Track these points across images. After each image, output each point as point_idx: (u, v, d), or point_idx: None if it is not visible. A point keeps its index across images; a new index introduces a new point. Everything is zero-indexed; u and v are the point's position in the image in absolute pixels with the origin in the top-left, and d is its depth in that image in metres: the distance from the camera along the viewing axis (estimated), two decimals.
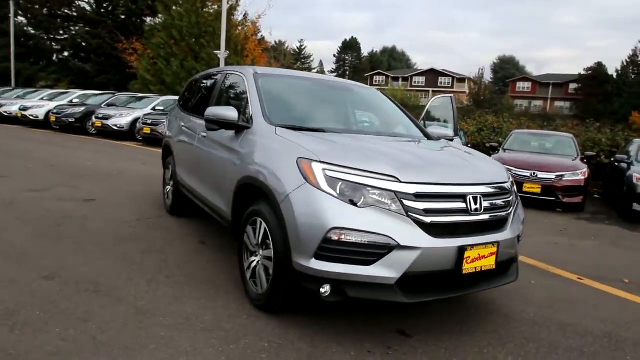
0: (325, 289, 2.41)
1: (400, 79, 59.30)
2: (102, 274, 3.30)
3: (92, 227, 4.48)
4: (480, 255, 2.57)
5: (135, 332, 2.50)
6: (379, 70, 63.03)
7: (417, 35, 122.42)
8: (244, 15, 22.86)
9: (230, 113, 3.27)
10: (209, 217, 5.05)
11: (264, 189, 2.76)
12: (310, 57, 56.28)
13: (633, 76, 45.83)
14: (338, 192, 2.41)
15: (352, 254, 2.36)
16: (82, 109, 14.82)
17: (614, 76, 47.44)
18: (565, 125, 13.44)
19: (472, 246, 2.52)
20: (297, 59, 53.74)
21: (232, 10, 20.50)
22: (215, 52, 17.40)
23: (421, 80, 57.82)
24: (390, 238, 2.34)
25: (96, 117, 13.94)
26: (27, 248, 3.72)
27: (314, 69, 60.84)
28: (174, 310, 2.80)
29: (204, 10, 21.37)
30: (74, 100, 16.48)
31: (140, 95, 16.58)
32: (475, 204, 2.60)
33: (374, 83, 60.33)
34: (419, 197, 2.44)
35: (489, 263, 2.63)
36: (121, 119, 13.81)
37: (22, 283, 3.03)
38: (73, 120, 14.44)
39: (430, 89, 54.38)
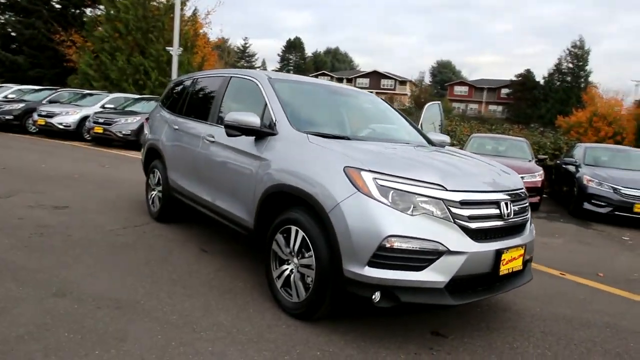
0: (376, 295, 2.46)
1: (345, 80, 60.32)
2: (114, 287, 3.11)
3: (77, 236, 4.18)
4: (512, 257, 2.75)
5: (182, 348, 2.40)
6: (323, 71, 63.67)
7: (360, 37, 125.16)
8: (193, 12, 22.10)
9: (252, 119, 3.22)
10: (203, 223, 4.95)
11: (303, 197, 2.75)
12: (254, 55, 55.58)
13: (558, 83, 49.93)
14: (390, 200, 2.47)
15: (404, 261, 2.43)
16: (22, 105, 13.62)
17: (541, 82, 51.38)
18: (512, 129, 14.45)
19: (507, 249, 2.69)
20: (241, 57, 52.87)
21: (181, 5, 19.82)
22: (167, 48, 16.69)
23: (365, 81, 59.19)
24: (441, 244, 2.44)
25: (39, 115, 12.87)
26: (18, 262, 3.41)
27: (258, 67, 60.24)
28: (210, 322, 2.72)
29: (151, 3, 20.42)
30: (9, 96, 15.09)
31: (87, 91, 15.52)
32: (507, 209, 2.77)
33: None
34: (464, 204, 2.56)
35: (518, 264, 2.82)
36: (67, 117, 12.86)
37: (33, 302, 2.78)
38: (11, 117, 13.25)
39: (374, 91, 55.80)
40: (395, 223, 2.42)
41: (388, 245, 2.40)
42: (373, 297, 2.46)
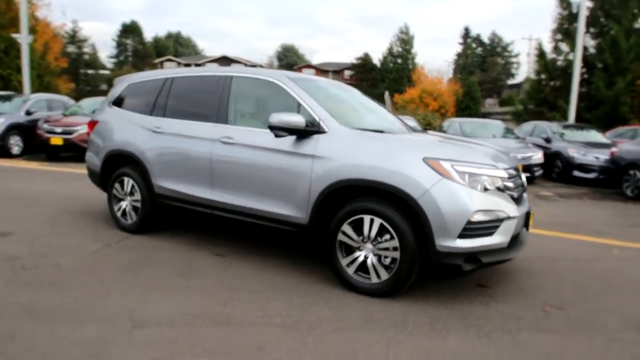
0: (462, 262, 2.96)
1: (194, 65, 57.57)
2: (184, 305, 2.95)
3: (65, 263, 3.65)
4: (531, 217, 3.53)
5: (320, 345, 2.53)
6: (169, 57, 59.65)
7: (198, 21, 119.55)
8: None
9: (298, 119, 3.32)
10: (186, 228, 4.71)
11: (382, 188, 3.04)
12: (86, 40, 48.90)
13: (392, 64, 56.04)
14: (467, 182, 2.96)
15: (482, 230, 2.96)
16: None
17: (378, 65, 57.06)
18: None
19: (530, 211, 3.44)
20: (72, 42, 46.07)
21: None
22: (14, 35, 13.84)
23: (214, 67, 57.38)
24: (503, 212, 3.04)
25: None
26: (41, 301, 2.92)
27: (92, 53, 53.29)
28: (314, 318, 2.84)
29: None
30: None
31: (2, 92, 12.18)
32: (523, 179, 3.52)
33: (166, 69, 56.96)
34: (509, 178, 3.19)
35: (532, 222, 3.61)
36: None
37: (123, 340, 2.51)
38: None
39: None
40: (476, 200, 2.93)
41: (472, 219, 2.90)
42: (462, 263, 2.95)
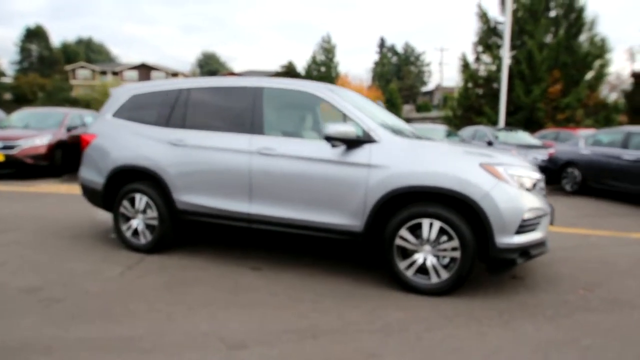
0: (517, 256, 3.26)
1: (110, 73, 53.82)
2: (264, 322, 2.89)
3: (95, 289, 3.37)
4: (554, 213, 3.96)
5: (422, 346, 2.65)
6: (82, 64, 55.09)
7: (110, 26, 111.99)
8: None
9: (352, 129, 3.42)
10: (201, 243, 4.55)
11: (444, 193, 3.24)
12: None
13: (315, 73, 57.17)
14: (518, 184, 3.27)
15: (530, 226, 3.29)
16: None
17: (303, 73, 57.88)
18: None
19: (553, 207, 3.86)
20: None
21: None
22: None
23: (133, 74, 54.14)
24: (542, 209, 3.40)
25: None
26: (102, 335, 2.69)
27: None
28: (392, 322, 2.95)
29: None
30: None
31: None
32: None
33: (77, 77, 52.59)
34: (539, 180, 3.57)
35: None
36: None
37: (212, 357, 2.42)
38: None
39: None
40: (526, 200, 3.25)
41: (525, 217, 3.22)
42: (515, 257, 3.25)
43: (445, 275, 3.31)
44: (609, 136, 8.31)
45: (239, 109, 3.98)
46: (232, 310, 3.08)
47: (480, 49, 19.27)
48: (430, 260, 3.34)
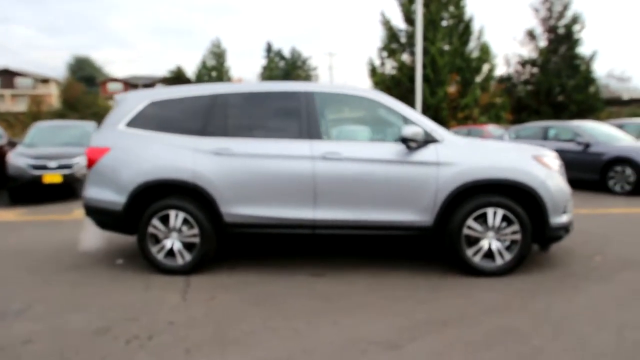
0: (564, 233, 3.79)
1: None
2: (390, 329, 2.94)
3: (179, 319, 3.06)
4: None
5: (548, 323, 2.97)
6: None
7: None
8: None
9: (421, 130, 3.63)
10: (234, 257, 4.34)
11: (506, 184, 3.61)
12: None
13: (206, 78, 55.42)
14: (559, 171, 3.79)
15: (569, 206, 3.84)
16: None
17: (193, 78, 55.61)
18: None
19: None
20: None
21: None
22: None
23: None
24: (570, 192, 4.00)
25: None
26: None
27: None
28: (495, 306, 3.23)
29: None
30: None
31: None
32: None
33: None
34: (561, 166, 4.16)
35: None
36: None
37: None
38: None
39: (8, 91, 44.98)
40: (565, 183, 3.80)
41: (568, 198, 3.76)
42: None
43: (508, 257, 3.69)
44: (530, 130, 9.70)
45: (289, 114, 3.90)
46: (345, 315, 3.05)
47: (384, 54, 20.77)
48: (495, 245, 3.69)
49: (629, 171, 7.55)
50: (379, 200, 3.72)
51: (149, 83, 60.09)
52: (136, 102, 4.13)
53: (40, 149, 8.56)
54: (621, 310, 3.04)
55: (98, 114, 36.14)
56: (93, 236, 5.48)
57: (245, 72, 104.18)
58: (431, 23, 17.52)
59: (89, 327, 2.93)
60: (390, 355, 2.52)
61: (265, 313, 3.11)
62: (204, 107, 4.00)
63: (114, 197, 3.96)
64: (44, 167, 8.09)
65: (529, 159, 3.73)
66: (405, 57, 20.33)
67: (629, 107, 24.97)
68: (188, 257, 3.92)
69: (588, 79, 19.80)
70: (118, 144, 4.03)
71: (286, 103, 3.94)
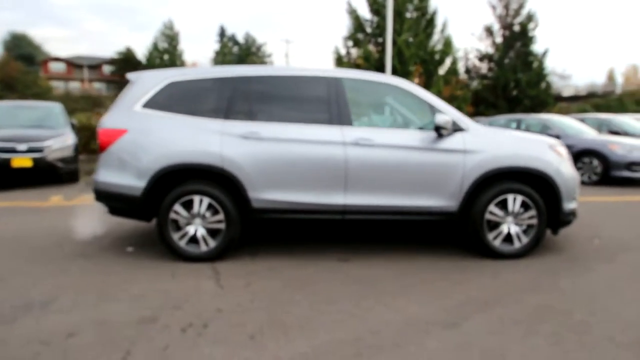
0: (573, 217, 4.07)
1: None
2: (437, 307, 3.04)
3: (226, 306, 3.00)
4: None
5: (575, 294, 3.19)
6: None
7: None
8: None
9: (450, 119, 3.73)
10: (255, 242, 4.57)
11: (526, 171, 3.81)
12: None
13: (158, 60, 53.09)
14: (568, 159, 4.06)
15: (576, 194, 4.13)
16: None
17: (144, 61, 53.05)
18: None
19: None
20: None
21: None
22: None
23: None
24: None
25: None
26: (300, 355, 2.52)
27: None
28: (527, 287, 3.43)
29: None
30: None
31: None
32: None
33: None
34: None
35: None
36: None
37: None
38: None
39: None
40: (575, 171, 4.08)
41: (578, 184, 4.04)
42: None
43: (525, 240, 3.92)
44: (501, 122, 10.19)
45: (317, 99, 3.88)
46: (389, 298, 3.12)
47: (350, 43, 20.86)
48: (514, 229, 3.90)
49: (595, 162, 8.18)
50: (409, 186, 3.81)
51: (95, 64, 56.82)
52: (153, 82, 3.93)
53: (6, 130, 7.88)
54: (634, 286, 3.33)
55: (40, 95, 33.71)
56: (88, 223, 5.19)
57: (199, 57, 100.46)
58: (397, 14, 17.76)
59: (132, 317, 2.80)
60: (452, 333, 2.62)
61: (310, 298, 3.11)
62: (228, 89, 3.88)
63: (132, 182, 3.77)
64: (13, 150, 7.45)
65: (546, 148, 3.96)
66: (371, 47, 20.52)
67: (577, 103, 26.80)
68: (212, 243, 3.81)
69: (540, 75, 21.07)
70: (136, 125, 3.82)
71: (314, 88, 3.91)
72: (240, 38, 72.97)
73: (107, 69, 55.94)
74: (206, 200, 3.76)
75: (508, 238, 3.92)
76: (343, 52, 21.03)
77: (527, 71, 20.95)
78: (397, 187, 3.81)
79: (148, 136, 3.79)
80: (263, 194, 3.78)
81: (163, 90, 3.90)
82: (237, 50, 72.22)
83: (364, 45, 20.10)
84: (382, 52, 19.68)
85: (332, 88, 3.88)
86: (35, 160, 7.59)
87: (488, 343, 2.50)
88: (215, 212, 3.77)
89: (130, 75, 4.11)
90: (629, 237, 4.72)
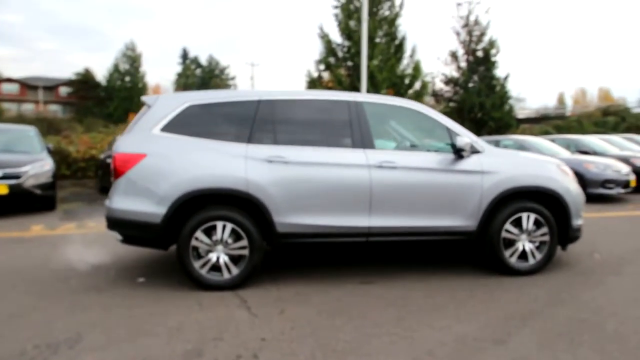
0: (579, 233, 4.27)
1: None
2: (482, 324, 3.09)
3: (268, 335, 2.92)
4: None
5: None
6: None
7: None
8: None
9: (469, 141, 3.88)
10: (275, 266, 4.43)
11: (538, 190, 4.00)
12: None
13: (119, 82, 51.84)
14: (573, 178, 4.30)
15: (582, 211, 4.35)
16: None
17: (104, 82, 51.62)
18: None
19: None
20: None
21: None
22: None
23: None
24: None
25: None
26: None
27: None
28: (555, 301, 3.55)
29: None
30: None
31: None
32: None
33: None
34: None
35: None
36: None
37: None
38: None
39: None
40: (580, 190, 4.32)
41: (583, 202, 4.27)
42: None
43: (539, 256, 4.08)
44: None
45: (339, 123, 3.93)
46: (429, 318, 3.14)
47: (322, 67, 21.26)
48: (528, 246, 4.05)
49: None
50: (431, 207, 3.89)
51: (51, 85, 54.75)
52: (172, 104, 3.86)
53: None
54: None
55: None
56: (83, 254, 4.93)
57: (161, 79, 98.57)
58: (369, 39, 18.34)
59: (176, 352, 2.68)
60: (504, 348, 2.67)
61: (351, 322, 3.08)
62: (249, 113, 3.86)
63: (151, 209, 3.64)
64: None
65: (555, 168, 4.17)
66: (342, 70, 20.99)
67: (539, 125, 28.24)
68: (235, 270, 3.72)
69: (503, 98, 22.19)
70: (155, 149, 3.72)
71: (337, 112, 3.96)
72: (204, 60, 72.36)
73: (63, 91, 54.04)
74: (229, 226, 3.67)
75: (523, 255, 4.06)
76: (315, 75, 21.37)
77: (491, 94, 22.00)
78: (419, 209, 3.89)
79: (169, 160, 3.69)
80: (288, 218, 3.74)
81: (182, 113, 3.83)
82: (200, 72, 71.69)
83: (336, 69, 20.52)
84: (352, 75, 20.22)
85: (353, 111, 3.95)
86: (11, 187, 7.17)
87: (542, 357, 2.57)
88: (238, 238, 3.70)
89: (146, 98, 4.01)
90: (625, 250, 4.99)
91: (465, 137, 3.95)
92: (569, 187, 4.13)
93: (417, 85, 20.55)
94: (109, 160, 9.83)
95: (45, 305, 3.42)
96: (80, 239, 5.71)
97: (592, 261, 4.56)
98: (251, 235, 3.69)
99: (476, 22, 23.05)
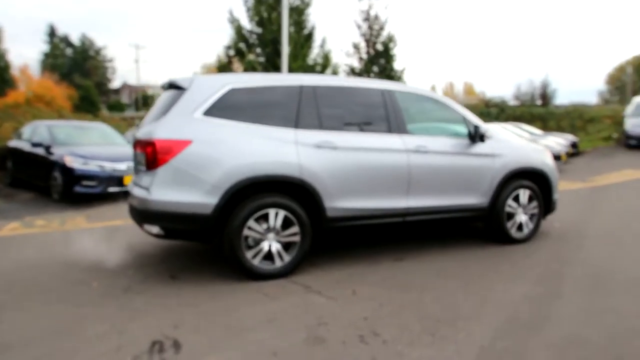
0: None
1: None
2: (521, 296, 3.55)
3: (326, 335, 3.03)
4: None
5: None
6: None
7: None
8: None
9: (486, 127, 4.38)
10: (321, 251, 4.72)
11: (533, 171, 4.66)
12: None
13: None
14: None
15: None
16: None
17: None
18: None
19: None
20: None
21: None
22: None
23: None
24: None
25: None
26: None
27: None
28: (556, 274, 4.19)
29: None
30: None
31: None
32: None
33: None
34: None
35: None
36: None
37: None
38: None
39: None
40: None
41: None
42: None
43: (531, 226, 4.77)
44: None
45: (375, 109, 4.08)
46: (488, 282, 3.55)
47: (232, 52, 20.60)
48: (524, 218, 4.71)
49: None
50: (455, 186, 4.30)
51: None
52: (213, 87, 3.62)
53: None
54: (627, 254, 4.36)
55: None
56: (89, 252, 4.34)
57: (26, 59, 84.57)
58: (279, 28, 18.32)
59: (295, 341, 2.64)
60: (555, 322, 2.91)
61: (430, 294, 3.33)
62: (293, 97, 3.81)
63: (201, 199, 3.41)
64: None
65: (544, 152, 4.89)
66: (252, 57, 20.62)
67: None
68: (287, 257, 3.69)
69: None
70: (202, 135, 3.47)
71: (372, 99, 4.10)
72: (75, 39, 64.15)
73: None
74: (282, 213, 3.61)
75: (519, 226, 4.71)
76: (225, 61, 20.66)
77: None
78: (446, 189, 4.27)
79: (218, 147, 3.47)
80: (337, 203, 3.81)
81: (225, 97, 3.61)
82: (71, 52, 63.48)
83: (247, 56, 20.12)
84: (267, 62, 20.02)
85: (387, 99, 4.14)
86: None
87: (595, 303, 3.11)
88: (288, 225, 3.66)
89: (179, 80, 3.68)
90: (578, 219, 5.91)
91: (481, 124, 4.41)
92: (553, 168, 4.89)
93: (328, 73, 21.13)
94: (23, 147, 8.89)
95: (101, 313, 3.02)
96: (65, 237, 5.01)
97: (558, 229, 5.42)
98: (302, 221, 3.68)
99: (376, 17, 24.48)
